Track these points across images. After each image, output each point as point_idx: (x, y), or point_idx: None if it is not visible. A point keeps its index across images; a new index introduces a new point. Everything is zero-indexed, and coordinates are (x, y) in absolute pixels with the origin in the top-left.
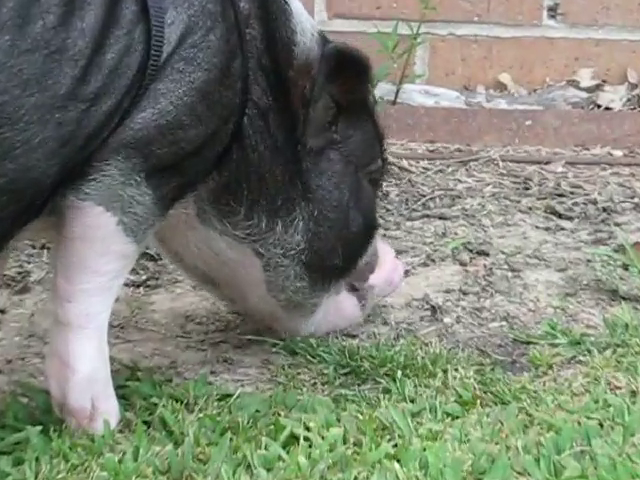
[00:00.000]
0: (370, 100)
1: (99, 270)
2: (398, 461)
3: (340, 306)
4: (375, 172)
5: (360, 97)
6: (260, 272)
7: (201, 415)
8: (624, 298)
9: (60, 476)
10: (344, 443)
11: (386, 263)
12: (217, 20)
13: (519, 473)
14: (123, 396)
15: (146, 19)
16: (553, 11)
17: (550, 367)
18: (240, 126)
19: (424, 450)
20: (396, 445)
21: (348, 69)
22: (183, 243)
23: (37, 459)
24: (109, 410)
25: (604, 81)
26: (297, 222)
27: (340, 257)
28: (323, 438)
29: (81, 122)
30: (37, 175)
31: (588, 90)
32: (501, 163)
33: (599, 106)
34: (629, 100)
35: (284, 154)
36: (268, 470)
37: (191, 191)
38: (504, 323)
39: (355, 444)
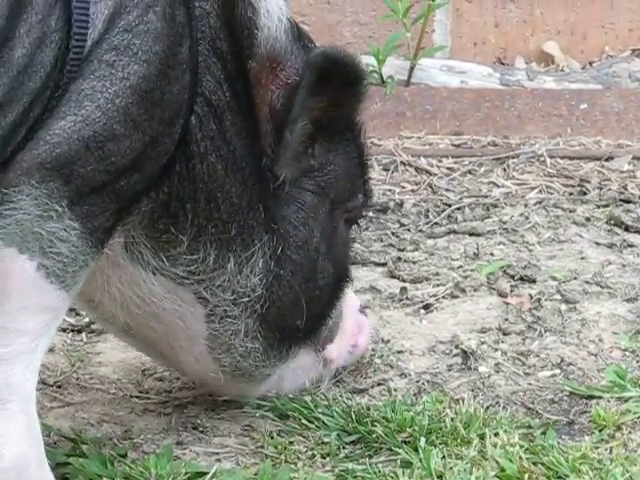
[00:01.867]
0: (356, 118)
1: (18, 330)
2: None
3: (301, 366)
4: (354, 210)
5: (346, 114)
6: (201, 324)
7: None
8: None
9: None
10: None
11: (348, 323)
12: None
13: None
14: (64, 477)
15: None
16: None
17: (618, 428)
18: (187, 129)
19: None
20: None
21: (336, 79)
22: (101, 285)
23: None
24: None
25: None
26: (255, 260)
27: (302, 316)
28: None
29: None
30: None
31: None
32: (549, 160)
33: None
34: None
35: (243, 168)
36: None
37: (128, 216)
38: (557, 371)
39: None
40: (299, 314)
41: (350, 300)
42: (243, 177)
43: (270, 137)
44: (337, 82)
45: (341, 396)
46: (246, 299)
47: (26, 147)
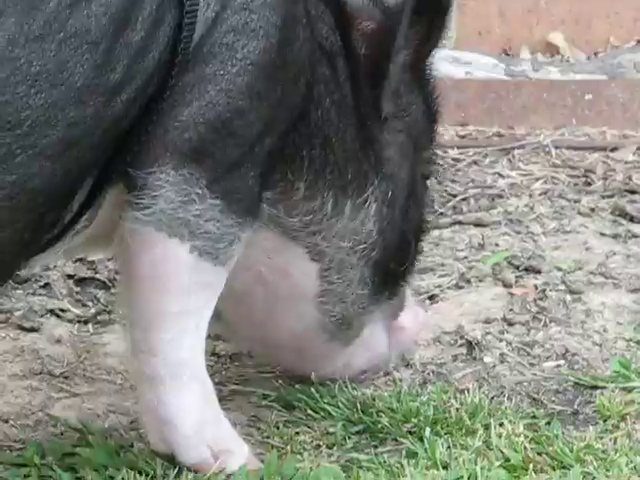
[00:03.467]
0: (432, 61)
1: (181, 311)
2: None
3: (371, 343)
4: (426, 163)
5: (431, 50)
6: (314, 281)
7: None
8: None
9: None
10: None
11: (414, 309)
12: None
13: None
14: (71, 467)
15: None
16: None
17: (623, 419)
18: (313, 78)
19: None
20: None
21: (429, 9)
22: None
23: None
24: (231, 446)
25: None
26: (369, 204)
27: (407, 259)
28: None
29: (98, 119)
30: (39, 183)
31: None
32: (554, 151)
33: None
34: None
35: (353, 111)
36: None
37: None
38: (562, 362)
39: None
40: (404, 257)
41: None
42: (354, 121)
43: (373, 78)
44: (430, 12)
45: (347, 386)
46: (363, 245)
47: (156, 134)
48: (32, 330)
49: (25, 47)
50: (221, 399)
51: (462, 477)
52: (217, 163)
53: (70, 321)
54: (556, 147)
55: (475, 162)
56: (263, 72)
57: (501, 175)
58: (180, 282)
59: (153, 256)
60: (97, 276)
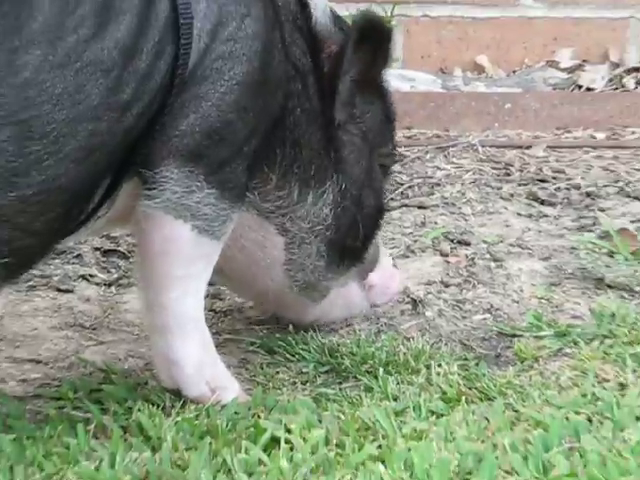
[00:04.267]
0: (385, 77)
1: (186, 275)
2: (382, 462)
3: (348, 295)
4: (386, 157)
5: (378, 71)
6: (281, 251)
7: (179, 419)
8: (610, 287)
9: None
10: (326, 445)
11: (385, 269)
12: (252, 2)
13: (507, 472)
14: (97, 400)
15: (174, 16)
16: None
17: (536, 360)
18: (286, 95)
19: (409, 450)
20: (380, 446)
21: (373, 39)
22: None
23: (11, 468)
24: (225, 383)
25: (584, 61)
26: (327, 194)
27: (356, 237)
28: (305, 440)
29: (113, 132)
30: (70, 182)
31: (568, 71)
32: (480, 149)
33: (580, 87)
34: (611, 80)
35: (316, 119)
36: (249, 475)
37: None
38: (487, 315)
39: (338, 445)
40: (354, 235)
41: (387, 256)
42: (319, 126)
43: (331, 93)
44: (373, 41)
45: (317, 336)
46: (319, 227)
47: (161, 141)
48: (67, 291)
49: (50, 72)
50: (217, 345)
51: (408, 407)
52: (211, 162)
53: (97, 284)
54: (482, 146)
55: (418, 158)
56: (247, 90)
57: (439, 168)
58: (184, 253)
59: (162, 234)
60: (119, 248)
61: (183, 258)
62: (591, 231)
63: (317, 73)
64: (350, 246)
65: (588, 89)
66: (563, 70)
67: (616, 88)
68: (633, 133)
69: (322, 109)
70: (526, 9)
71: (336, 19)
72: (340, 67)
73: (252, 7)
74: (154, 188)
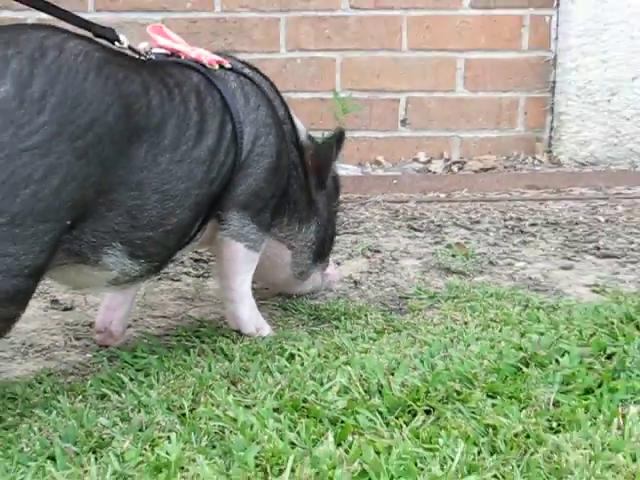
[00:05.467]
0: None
1: (244, 271)
2: (348, 364)
3: (317, 279)
4: (336, 207)
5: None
6: (289, 258)
7: (242, 344)
8: (454, 272)
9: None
10: (319, 357)
11: (332, 266)
12: (272, 126)
13: (413, 368)
14: (198, 336)
15: (234, 134)
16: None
17: (420, 311)
18: (289, 176)
19: (362, 359)
20: (347, 356)
21: (339, 144)
22: None
23: (157, 374)
24: (263, 326)
25: None
26: (312, 227)
27: (324, 247)
28: (307, 355)
29: (205, 194)
30: (187, 221)
31: None
32: (382, 203)
33: None
34: None
35: (305, 191)
36: (280, 373)
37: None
38: (393, 288)
39: (325, 357)
40: (324, 247)
41: (332, 261)
42: (306, 194)
43: (312, 184)
44: (339, 145)
45: (306, 301)
46: (309, 243)
47: (228, 198)
48: (177, 281)
49: (174, 165)
50: (259, 307)
51: (358, 336)
52: (253, 209)
53: (193, 276)
54: (383, 201)
55: (351, 208)
56: (270, 172)
57: (362, 213)
58: (241, 260)
59: (230, 250)
60: (202, 257)
61: (241, 262)
62: (441, 244)
63: (303, 165)
64: (321, 253)
65: None
66: None
67: None
68: None
69: (306, 185)
70: None
71: (309, 136)
72: (319, 167)
73: (272, 129)
74: (224, 224)
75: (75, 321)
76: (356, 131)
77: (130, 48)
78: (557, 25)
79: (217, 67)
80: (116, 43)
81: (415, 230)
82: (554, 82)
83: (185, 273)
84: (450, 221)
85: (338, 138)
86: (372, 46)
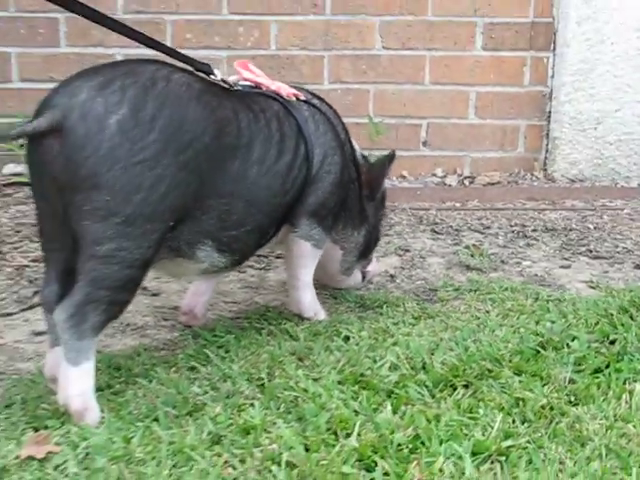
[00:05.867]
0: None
1: (309, 265)
2: (396, 345)
3: (357, 276)
4: (382, 215)
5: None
6: (339, 256)
7: (304, 327)
8: (474, 269)
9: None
10: (369, 338)
11: (373, 263)
12: (336, 148)
13: (450, 349)
14: (265, 319)
15: (306, 154)
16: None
17: (447, 301)
18: (347, 188)
19: (406, 341)
20: (393, 338)
21: (388, 163)
22: None
23: (228, 351)
24: (320, 311)
25: None
26: (361, 231)
27: (369, 249)
28: (360, 337)
29: (281, 202)
30: (265, 224)
31: None
32: (409, 210)
33: None
34: None
35: (359, 201)
36: (339, 351)
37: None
38: (423, 282)
39: (375, 339)
40: (369, 249)
41: (374, 257)
42: (358, 203)
43: (364, 192)
44: (390, 165)
45: (352, 292)
46: (358, 245)
47: (300, 207)
48: (243, 272)
49: (260, 178)
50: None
51: (399, 321)
52: (320, 216)
53: (256, 269)
54: (410, 208)
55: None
56: (335, 186)
57: (394, 219)
58: (307, 256)
59: (299, 248)
60: (262, 254)
61: (307, 258)
62: (459, 245)
63: (358, 180)
64: (365, 253)
65: None
66: None
67: None
68: None
69: (360, 196)
70: None
71: (362, 155)
72: (374, 181)
73: (336, 150)
74: (296, 227)
75: (162, 305)
76: (385, 150)
77: (222, 80)
78: (553, 65)
79: (294, 98)
80: (211, 76)
81: (437, 233)
82: (550, 112)
83: (249, 266)
84: (465, 226)
85: (390, 158)
86: (400, 80)
